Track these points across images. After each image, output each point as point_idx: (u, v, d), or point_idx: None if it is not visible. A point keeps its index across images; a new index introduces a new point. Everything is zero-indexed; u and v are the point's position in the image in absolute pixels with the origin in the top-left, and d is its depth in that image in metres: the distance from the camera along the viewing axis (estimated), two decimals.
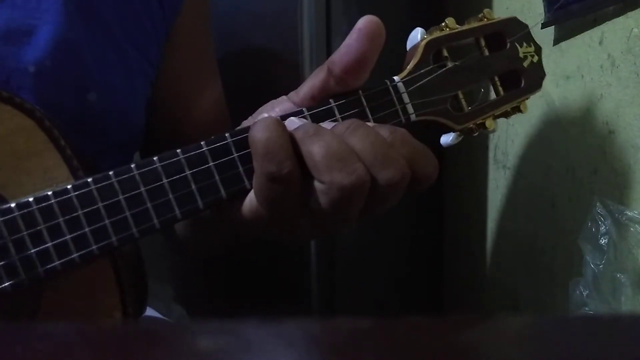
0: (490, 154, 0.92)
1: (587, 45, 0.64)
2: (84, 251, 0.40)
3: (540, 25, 0.67)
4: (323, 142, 0.37)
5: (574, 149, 0.67)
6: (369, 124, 0.40)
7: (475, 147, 0.97)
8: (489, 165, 0.92)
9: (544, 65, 0.50)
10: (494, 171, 0.91)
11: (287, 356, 0.20)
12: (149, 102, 0.60)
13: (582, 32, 0.64)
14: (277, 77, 0.89)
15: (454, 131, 0.47)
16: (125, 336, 0.23)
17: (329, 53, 0.83)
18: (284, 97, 0.44)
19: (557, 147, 0.71)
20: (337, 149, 0.37)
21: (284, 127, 0.39)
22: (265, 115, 0.43)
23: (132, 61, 0.57)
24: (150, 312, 0.71)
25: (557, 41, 0.69)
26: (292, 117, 0.41)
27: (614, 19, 0.58)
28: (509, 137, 0.84)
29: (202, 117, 0.64)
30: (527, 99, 0.50)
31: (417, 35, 0.46)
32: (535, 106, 0.75)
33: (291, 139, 0.39)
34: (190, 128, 0.63)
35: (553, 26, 0.68)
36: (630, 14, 0.56)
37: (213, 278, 1.01)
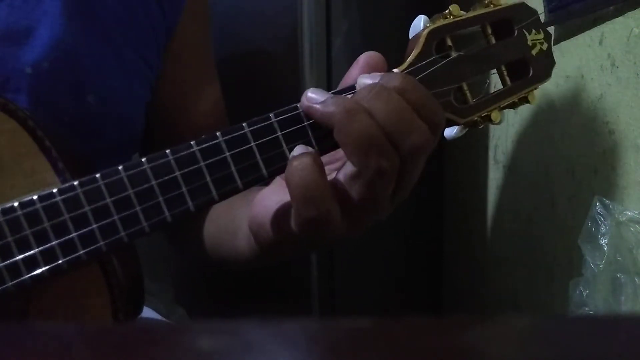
0: (490, 154, 0.92)
1: (587, 45, 0.64)
2: (71, 257, 0.38)
3: None
4: (357, 126, 0.37)
5: (574, 149, 0.67)
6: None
7: (475, 147, 0.97)
8: (489, 165, 0.92)
9: None
10: (494, 171, 0.91)
11: (287, 356, 0.20)
12: (148, 105, 0.60)
13: (582, 32, 0.64)
14: (277, 77, 0.89)
15: (457, 124, 0.45)
16: (125, 336, 0.23)
17: (329, 53, 0.83)
18: None
19: (557, 147, 0.71)
20: (370, 132, 0.37)
21: (321, 166, 0.38)
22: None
23: (130, 64, 0.56)
24: (150, 312, 0.71)
25: (557, 41, 0.69)
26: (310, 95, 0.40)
27: (614, 19, 0.58)
28: (509, 137, 0.84)
29: (201, 120, 0.64)
30: (535, 89, 0.47)
31: (419, 23, 0.44)
32: (535, 106, 0.75)
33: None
34: (188, 131, 0.63)
35: (553, 26, 0.68)
36: (630, 14, 0.56)
37: (213, 278, 1.01)
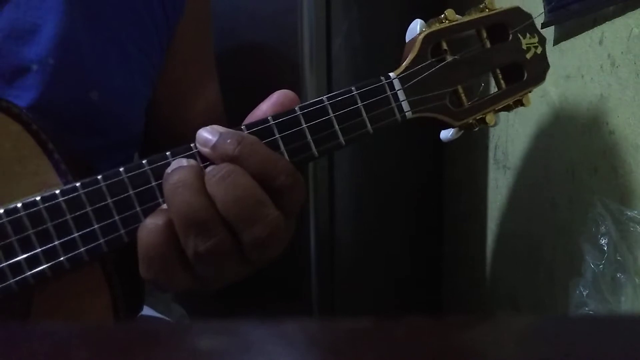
0: (490, 154, 0.92)
1: (587, 45, 0.64)
2: (72, 254, 0.39)
3: (540, 25, 0.67)
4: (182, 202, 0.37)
5: (574, 149, 0.67)
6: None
7: (475, 147, 0.97)
8: (489, 165, 0.92)
9: None
10: (494, 171, 0.91)
11: (287, 356, 0.20)
12: (149, 102, 0.60)
13: (582, 32, 0.64)
14: (277, 77, 0.89)
15: (453, 127, 0.46)
16: (125, 336, 0.23)
17: (329, 53, 0.83)
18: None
19: (557, 147, 0.71)
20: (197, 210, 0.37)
21: (171, 231, 0.38)
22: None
23: (133, 62, 0.57)
24: (150, 311, 0.71)
25: (557, 41, 0.69)
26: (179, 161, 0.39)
27: (614, 19, 0.58)
28: (509, 137, 0.84)
29: (199, 119, 0.64)
30: (529, 92, 0.48)
31: (416, 27, 0.45)
32: (535, 106, 0.75)
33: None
34: (186, 129, 0.63)
35: (553, 26, 0.68)
36: (630, 14, 0.56)
37: None
